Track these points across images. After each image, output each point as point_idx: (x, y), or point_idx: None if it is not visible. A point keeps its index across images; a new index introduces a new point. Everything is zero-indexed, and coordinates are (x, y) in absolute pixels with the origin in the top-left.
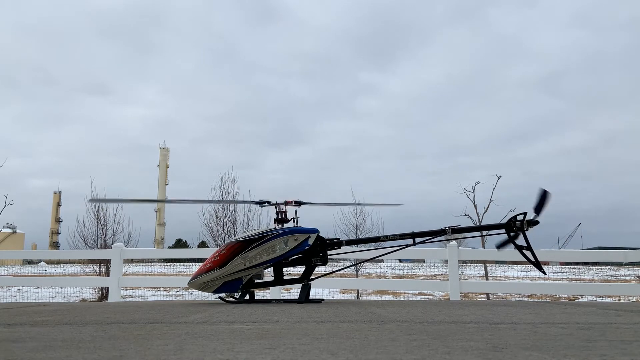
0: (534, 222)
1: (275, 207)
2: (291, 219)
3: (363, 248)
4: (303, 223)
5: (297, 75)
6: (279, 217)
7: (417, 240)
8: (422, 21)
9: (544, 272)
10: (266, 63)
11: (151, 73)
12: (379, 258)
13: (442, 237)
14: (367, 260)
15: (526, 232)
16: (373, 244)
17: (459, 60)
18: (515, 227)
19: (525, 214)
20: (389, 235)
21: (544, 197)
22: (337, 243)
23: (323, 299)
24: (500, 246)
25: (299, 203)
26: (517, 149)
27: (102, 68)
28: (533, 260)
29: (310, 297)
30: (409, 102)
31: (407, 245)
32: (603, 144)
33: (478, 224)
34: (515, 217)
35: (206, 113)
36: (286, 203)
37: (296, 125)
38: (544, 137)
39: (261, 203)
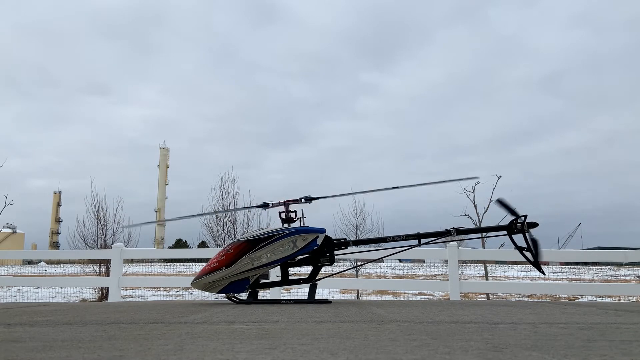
0: (533, 224)
1: (284, 207)
2: (298, 218)
3: (369, 248)
4: (305, 222)
5: (297, 75)
6: (286, 216)
7: (423, 241)
8: (422, 21)
9: (543, 273)
10: (266, 63)
11: (151, 73)
12: (380, 258)
13: (448, 238)
14: (374, 261)
15: (526, 233)
16: (376, 244)
17: (459, 60)
18: (516, 229)
19: (525, 216)
20: (396, 236)
21: (504, 204)
22: (344, 243)
23: (330, 301)
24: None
25: (309, 199)
26: (517, 149)
27: (102, 68)
28: (533, 260)
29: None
30: (409, 102)
31: (413, 246)
32: (603, 144)
33: (479, 225)
34: (516, 219)
35: (206, 113)
36: (293, 202)
37: (296, 125)
38: (544, 137)
39: (264, 206)
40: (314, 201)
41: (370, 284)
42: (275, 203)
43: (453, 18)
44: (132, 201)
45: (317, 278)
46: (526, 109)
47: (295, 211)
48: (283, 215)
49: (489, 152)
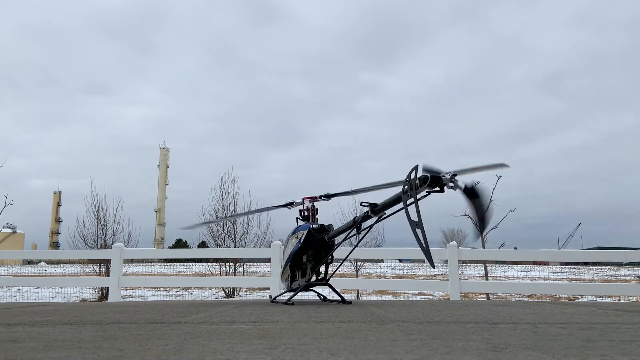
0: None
1: (303, 204)
2: (310, 215)
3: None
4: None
5: (297, 75)
6: (303, 214)
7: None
8: (422, 21)
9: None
10: (266, 63)
11: (151, 73)
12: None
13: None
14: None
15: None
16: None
17: (459, 60)
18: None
19: (416, 167)
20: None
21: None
22: (324, 229)
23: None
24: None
25: (328, 196)
26: (517, 149)
27: (102, 68)
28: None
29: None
30: (410, 102)
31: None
32: (603, 144)
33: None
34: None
35: (206, 113)
36: (311, 198)
37: (296, 125)
38: (544, 137)
39: (289, 204)
40: (332, 198)
41: (370, 284)
42: (297, 202)
43: (453, 18)
44: (132, 201)
45: (318, 278)
46: (526, 109)
47: (317, 209)
48: (305, 213)
49: (489, 152)
